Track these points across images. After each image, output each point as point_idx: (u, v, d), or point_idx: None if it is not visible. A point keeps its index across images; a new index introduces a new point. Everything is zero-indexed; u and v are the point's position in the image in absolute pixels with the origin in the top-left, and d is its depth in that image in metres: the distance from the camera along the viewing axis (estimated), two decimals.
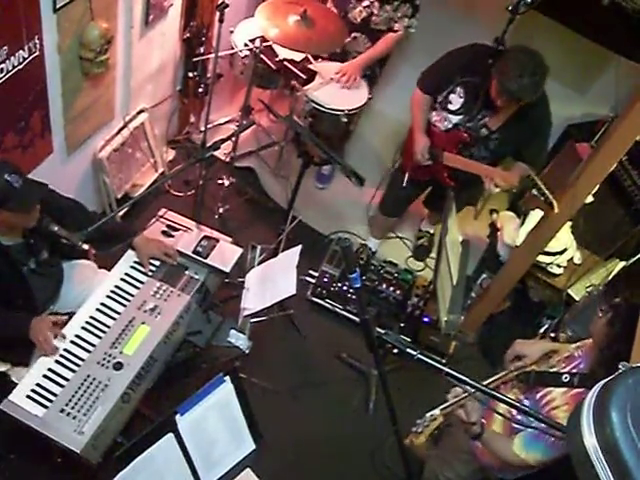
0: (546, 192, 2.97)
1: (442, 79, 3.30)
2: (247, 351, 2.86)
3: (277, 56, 3.74)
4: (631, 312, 2.13)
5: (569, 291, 3.72)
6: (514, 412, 2.28)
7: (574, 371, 2.22)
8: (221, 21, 3.23)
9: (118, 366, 2.51)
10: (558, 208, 3.00)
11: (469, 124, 3.27)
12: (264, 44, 3.60)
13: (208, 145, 2.85)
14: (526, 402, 2.31)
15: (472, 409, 2.30)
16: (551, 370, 2.33)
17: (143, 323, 2.65)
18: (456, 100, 3.27)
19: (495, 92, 3.05)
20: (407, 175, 3.63)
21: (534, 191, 3.00)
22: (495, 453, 2.35)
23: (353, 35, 3.76)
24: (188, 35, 3.79)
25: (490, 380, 2.46)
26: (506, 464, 2.32)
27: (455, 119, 3.31)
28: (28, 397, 2.40)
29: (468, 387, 1.78)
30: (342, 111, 3.68)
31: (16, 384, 2.46)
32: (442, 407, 2.39)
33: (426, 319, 3.69)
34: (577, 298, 3.69)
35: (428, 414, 2.42)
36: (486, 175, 3.25)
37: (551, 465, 2.19)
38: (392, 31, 3.70)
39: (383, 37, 3.74)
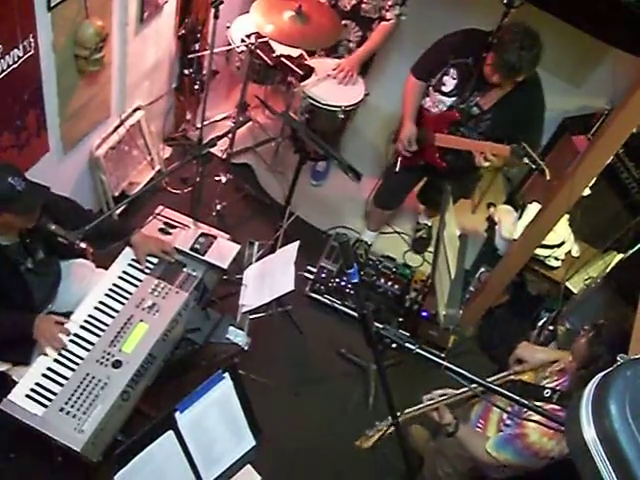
0: (537, 159, 2.97)
1: (435, 62, 3.30)
2: (246, 347, 2.87)
3: (274, 52, 3.73)
4: (612, 333, 2.10)
5: (567, 284, 3.72)
6: (510, 409, 2.30)
7: (558, 388, 2.21)
8: (216, 17, 3.23)
9: (117, 364, 2.51)
10: (555, 199, 3.00)
11: (462, 105, 3.28)
12: (261, 40, 3.59)
13: (204, 142, 2.85)
14: (511, 409, 2.32)
15: (444, 411, 2.33)
16: (542, 382, 2.33)
17: (141, 321, 2.65)
18: (449, 82, 3.27)
19: (492, 68, 3.02)
20: (399, 161, 3.63)
21: (525, 159, 2.99)
22: (469, 450, 2.38)
23: (343, 23, 3.74)
24: (183, 32, 3.78)
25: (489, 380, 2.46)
26: (481, 462, 2.36)
27: (449, 101, 3.32)
28: (27, 396, 2.40)
29: (466, 381, 1.79)
30: (339, 107, 3.67)
31: (17, 383, 2.46)
32: (404, 412, 2.38)
33: (424, 313, 3.69)
34: (575, 291, 3.69)
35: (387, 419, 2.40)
36: (477, 149, 3.24)
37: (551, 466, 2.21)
38: (384, 20, 3.70)
39: (376, 28, 3.75)
